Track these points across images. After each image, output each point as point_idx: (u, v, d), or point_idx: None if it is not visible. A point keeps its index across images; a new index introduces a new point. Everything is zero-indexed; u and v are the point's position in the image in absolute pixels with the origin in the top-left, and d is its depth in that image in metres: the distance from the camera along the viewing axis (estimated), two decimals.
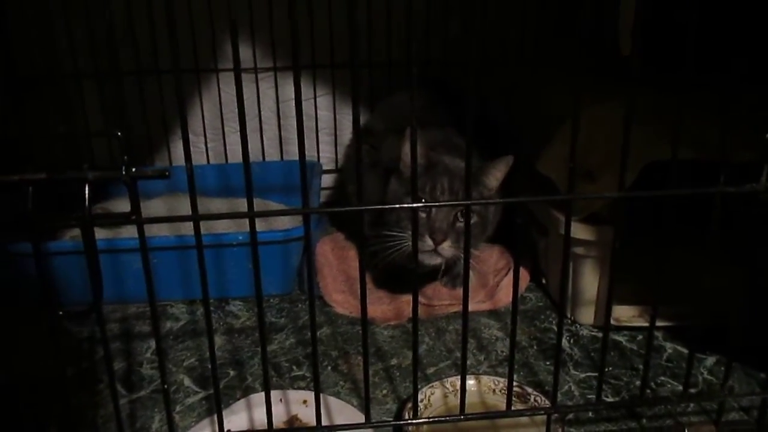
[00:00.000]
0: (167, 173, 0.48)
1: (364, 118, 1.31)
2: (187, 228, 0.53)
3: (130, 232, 0.98)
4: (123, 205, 1.25)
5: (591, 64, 0.97)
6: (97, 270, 0.52)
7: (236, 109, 1.38)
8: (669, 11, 1.19)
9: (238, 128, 1.38)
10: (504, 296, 1.00)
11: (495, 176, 0.91)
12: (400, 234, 0.89)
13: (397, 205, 0.86)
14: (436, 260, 0.90)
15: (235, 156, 1.31)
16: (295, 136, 1.35)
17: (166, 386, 0.57)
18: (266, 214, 0.53)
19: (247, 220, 0.53)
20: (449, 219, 0.89)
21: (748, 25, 0.56)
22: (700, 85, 0.73)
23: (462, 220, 0.92)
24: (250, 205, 0.51)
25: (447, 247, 0.87)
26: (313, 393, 0.61)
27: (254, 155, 1.34)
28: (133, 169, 0.47)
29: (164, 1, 0.49)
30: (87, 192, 0.48)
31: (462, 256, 0.89)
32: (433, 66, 1.30)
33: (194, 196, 0.51)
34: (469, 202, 0.55)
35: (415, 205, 0.55)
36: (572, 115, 0.55)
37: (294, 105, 1.36)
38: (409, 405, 0.67)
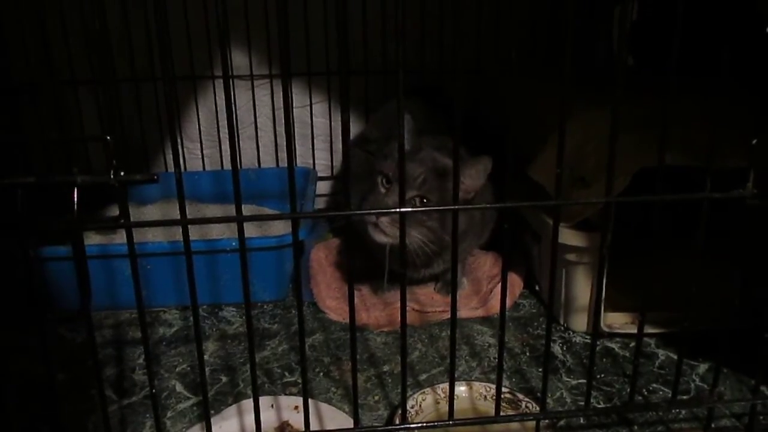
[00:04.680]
0: (156, 178, 0.48)
1: (360, 125, 1.32)
2: (178, 235, 0.53)
3: (123, 238, 0.98)
4: (143, 212, 1.24)
5: (582, 71, 0.98)
6: (85, 274, 0.52)
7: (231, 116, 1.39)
8: (661, 19, 1.20)
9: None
10: (497, 303, 1.00)
11: (470, 175, 0.90)
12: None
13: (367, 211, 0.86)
14: (380, 237, 0.87)
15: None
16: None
17: (154, 391, 0.57)
18: (254, 218, 0.53)
19: (245, 227, 0.54)
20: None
21: (737, 32, 0.57)
22: (692, 91, 0.73)
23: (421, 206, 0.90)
24: (239, 209, 0.51)
25: (386, 223, 0.86)
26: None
27: (250, 162, 1.35)
28: (122, 174, 0.48)
29: (160, 10, 0.49)
30: (76, 196, 0.48)
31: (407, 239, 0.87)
32: (429, 73, 1.30)
33: (183, 200, 0.51)
34: (454, 207, 0.55)
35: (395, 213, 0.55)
36: (563, 121, 0.55)
37: (291, 112, 1.36)
38: (400, 411, 0.67)
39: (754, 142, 0.56)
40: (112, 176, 0.48)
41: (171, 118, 0.48)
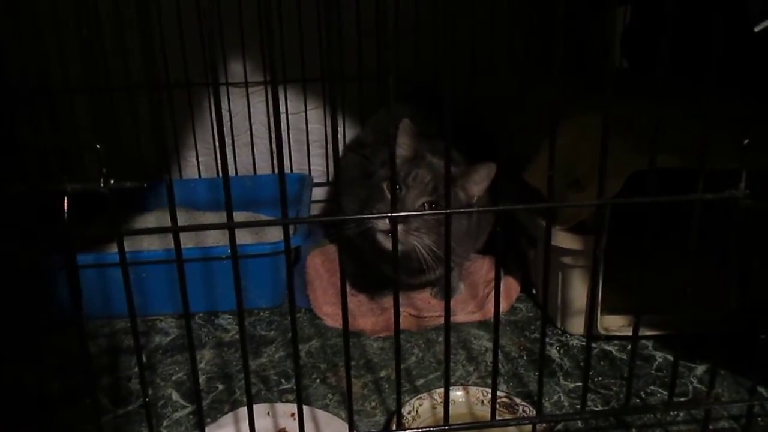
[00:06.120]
0: (145, 185, 0.48)
1: (355, 130, 1.32)
2: None
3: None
4: (142, 220, 1.24)
5: (578, 74, 0.98)
6: (77, 283, 0.52)
7: (228, 124, 1.39)
8: (655, 22, 1.20)
9: (229, 142, 1.39)
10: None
11: (475, 181, 0.91)
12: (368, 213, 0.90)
13: (367, 215, 0.85)
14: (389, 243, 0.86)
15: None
16: (286, 149, 1.37)
17: (147, 400, 0.56)
18: (243, 225, 0.53)
19: (239, 234, 0.53)
20: (415, 206, 0.89)
21: (728, 34, 0.57)
22: (686, 93, 0.73)
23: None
24: (230, 216, 0.51)
25: (403, 231, 0.86)
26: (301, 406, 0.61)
27: (246, 169, 1.35)
28: (112, 181, 0.48)
29: (154, 18, 0.49)
30: (66, 204, 0.48)
31: (419, 246, 0.88)
32: (425, 76, 1.30)
33: (173, 208, 0.51)
34: (447, 212, 0.55)
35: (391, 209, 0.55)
36: (555, 124, 0.55)
37: (286, 118, 1.37)
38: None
39: (746, 142, 0.56)
40: (102, 184, 0.47)
41: (157, 124, 0.48)
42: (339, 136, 1.35)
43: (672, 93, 0.56)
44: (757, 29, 0.54)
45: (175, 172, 1.33)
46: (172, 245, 0.97)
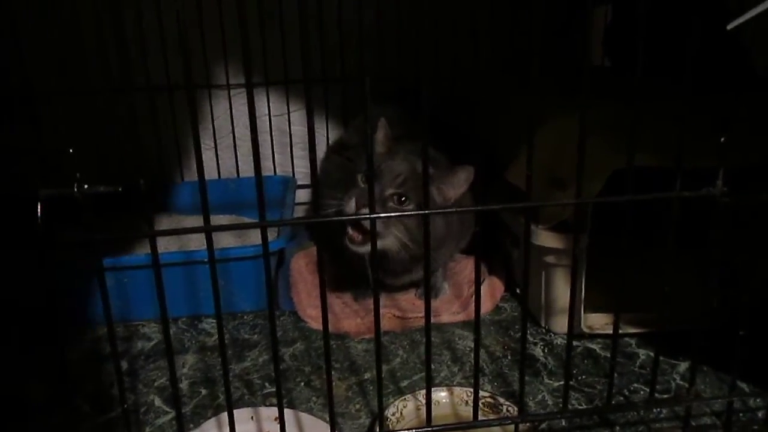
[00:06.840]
0: (119, 189, 0.47)
1: (338, 132, 1.32)
2: (160, 247, 0.52)
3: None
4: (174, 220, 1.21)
5: (561, 72, 0.99)
6: (53, 289, 0.51)
7: (210, 126, 1.39)
8: (637, 21, 1.21)
9: (212, 145, 1.38)
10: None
11: (452, 184, 0.91)
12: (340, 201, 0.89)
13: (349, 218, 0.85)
14: (359, 248, 0.88)
15: (210, 173, 1.30)
16: (270, 151, 1.36)
17: (126, 406, 0.56)
18: (220, 228, 0.52)
19: (222, 237, 0.53)
20: (383, 195, 0.89)
21: (706, 34, 0.57)
22: (669, 92, 0.74)
23: (400, 204, 0.89)
24: (206, 219, 0.50)
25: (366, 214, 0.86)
26: (284, 410, 0.60)
27: (229, 171, 1.34)
28: (85, 186, 0.47)
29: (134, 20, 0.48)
30: (39, 210, 0.47)
31: (392, 239, 0.88)
32: (409, 77, 1.30)
33: (151, 213, 0.51)
34: (426, 212, 0.55)
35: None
36: (540, 123, 0.56)
37: (269, 120, 1.36)
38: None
39: (723, 140, 0.57)
40: (75, 189, 0.47)
41: (133, 129, 0.48)
42: (322, 137, 1.35)
43: (654, 92, 0.57)
44: (729, 27, 0.54)
45: (168, 175, 1.33)
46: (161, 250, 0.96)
